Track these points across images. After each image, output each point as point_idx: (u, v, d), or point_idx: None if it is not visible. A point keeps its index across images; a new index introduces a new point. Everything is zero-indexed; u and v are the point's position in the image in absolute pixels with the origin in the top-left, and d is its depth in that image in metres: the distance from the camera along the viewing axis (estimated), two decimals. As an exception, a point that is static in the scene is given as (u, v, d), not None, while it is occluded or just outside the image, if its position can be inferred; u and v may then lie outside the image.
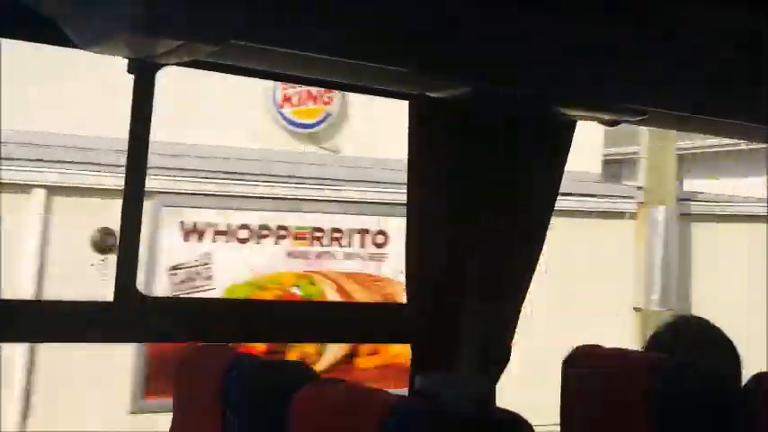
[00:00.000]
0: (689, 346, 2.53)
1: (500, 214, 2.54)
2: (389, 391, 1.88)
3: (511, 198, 2.55)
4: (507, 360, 2.65)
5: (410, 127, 2.58)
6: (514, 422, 1.72)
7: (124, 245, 2.23)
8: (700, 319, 2.89)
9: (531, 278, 2.67)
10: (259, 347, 6.97)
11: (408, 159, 2.62)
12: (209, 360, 2.18)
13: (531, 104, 2.30)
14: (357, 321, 2.68)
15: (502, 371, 2.65)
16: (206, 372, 2.14)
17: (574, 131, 2.56)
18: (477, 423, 1.75)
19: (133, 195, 2.24)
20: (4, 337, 2.32)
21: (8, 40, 2.12)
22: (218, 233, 9.45)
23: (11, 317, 2.17)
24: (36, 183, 8.83)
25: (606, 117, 2.36)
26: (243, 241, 9.58)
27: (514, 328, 2.69)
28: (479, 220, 2.54)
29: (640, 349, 2.72)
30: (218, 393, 2.05)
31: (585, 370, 2.55)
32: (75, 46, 1.91)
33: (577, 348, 2.59)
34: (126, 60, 2.16)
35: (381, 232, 10.11)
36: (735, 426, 2.21)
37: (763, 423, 2.19)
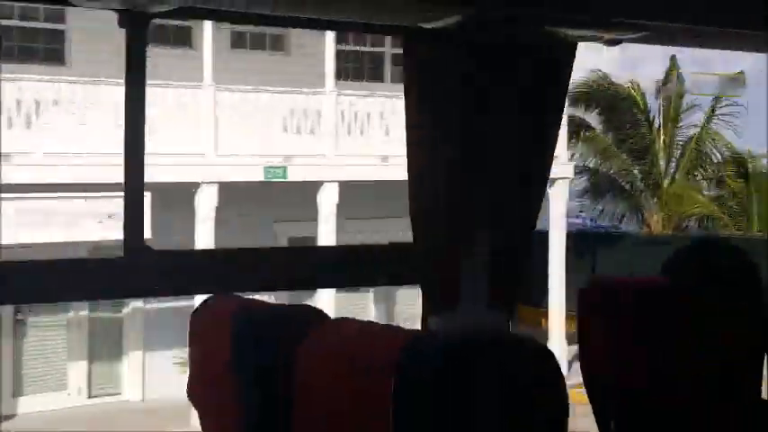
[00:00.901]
0: (717, 274, 2.42)
1: (504, 147, 2.50)
2: None
3: (514, 130, 2.51)
4: (518, 298, 2.63)
5: (405, 62, 2.53)
6: (535, 346, 1.70)
7: (130, 201, 2.21)
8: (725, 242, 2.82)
9: (539, 210, 2.64)
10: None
11: (405, 96, 2.56)
12: (220, 310, 2.18)
13: (528, 28, 2.24)
14: (362, 264, 2.66)
15: (514, 309, 2.63)
16: (216, 322, 2.14)
17: (575, 53, 2.50)
18: (497, 342, 1.73)
19: (133, 151, 2.22)
20: (13, 298, 2.32)
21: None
22: None
23: (21, 276, 2.17)
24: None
25: (607, 36, 2.30)
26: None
27: (524, 263, 2.67)
28: (483, 155, 2.50)
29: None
30: (228, 342, 2.05)
31: (601, 299, 2.54)
32: (68, 3, 1.89)
33: (594, 277, 2.57)
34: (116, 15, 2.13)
35: None
36: None
37: None
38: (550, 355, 1.70)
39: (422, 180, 2.59)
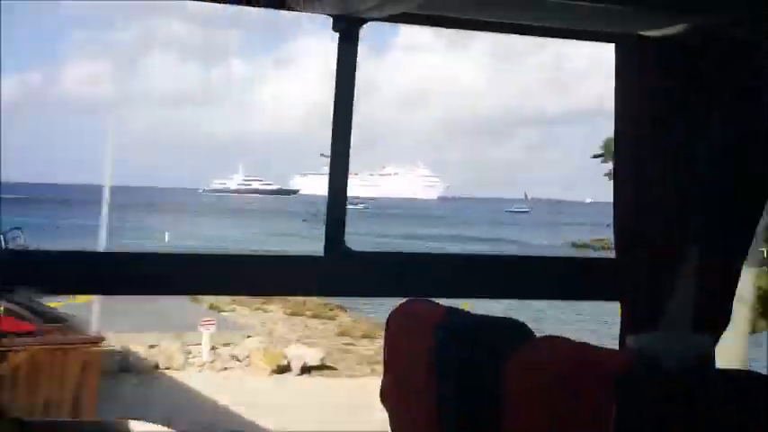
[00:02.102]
0: None
1: (721, 159, 2.38)
2: None
3: (732, 144, 2.38)
4: (727, 320, 2.50)
5: (617, 71, 2.45)
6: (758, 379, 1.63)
7: (332, 201, 2.25)
8: None
9: (754, 231, 2.50)
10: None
11: (615, 107, 2.49)
12: (419, 315, 2.18)
13: (751, 37, 2.12)
14: (561, 276, 2.61)
15: (721, 331, 2.50)
16: (416, 327, 2.14)
17: None
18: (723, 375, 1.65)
19: (340, 152, 2.26)
20: (215, 289, 2.41)
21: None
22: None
23: (224, 271, 2.26)
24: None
25: None
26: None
27: (735, 285, 2.53)
28: (697, 170, 2.39)
29: None
30: (430, 349, 2.05)
31: None
32: (282, 7, 1.94)
33: None
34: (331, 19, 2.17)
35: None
36: None
37: None
38: None
39: (631, 194, 2.50)
